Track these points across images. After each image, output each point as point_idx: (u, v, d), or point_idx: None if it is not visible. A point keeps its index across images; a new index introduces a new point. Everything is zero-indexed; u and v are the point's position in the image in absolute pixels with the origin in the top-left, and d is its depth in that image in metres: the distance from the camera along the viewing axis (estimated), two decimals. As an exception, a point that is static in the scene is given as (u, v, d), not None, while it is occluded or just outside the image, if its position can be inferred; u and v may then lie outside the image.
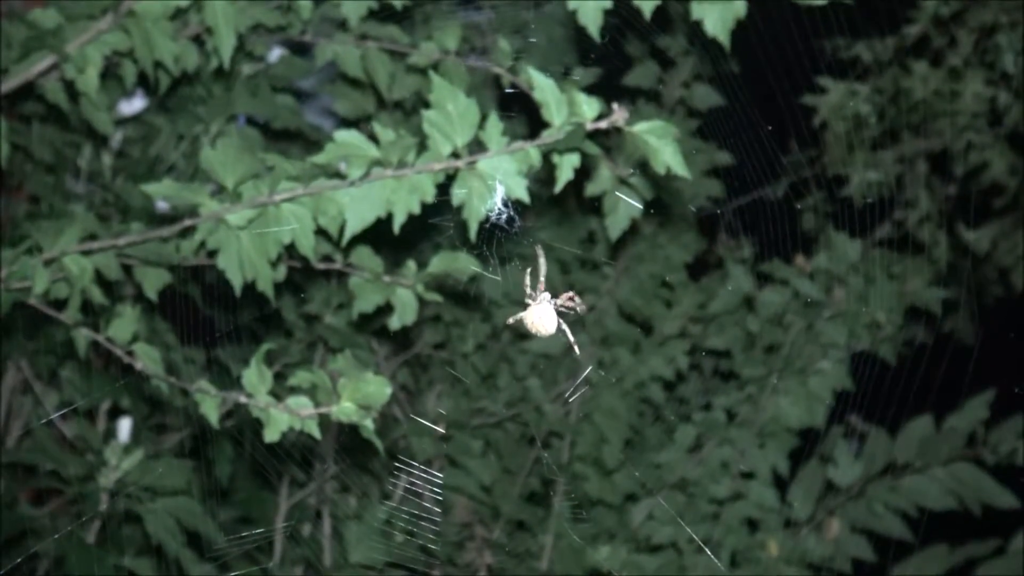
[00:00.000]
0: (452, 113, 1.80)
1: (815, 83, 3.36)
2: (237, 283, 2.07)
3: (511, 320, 2.09)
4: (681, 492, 3.01)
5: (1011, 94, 3.37)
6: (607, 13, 1.83)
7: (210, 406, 2.07)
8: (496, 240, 2.16)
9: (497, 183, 1.81)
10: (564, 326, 2.06)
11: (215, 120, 2.73)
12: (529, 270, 2.05)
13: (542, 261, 2.03)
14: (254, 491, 2.93)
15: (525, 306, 2.07)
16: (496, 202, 1.88)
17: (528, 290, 2.06)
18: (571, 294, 2.05)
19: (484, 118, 1.81)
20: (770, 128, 2.42)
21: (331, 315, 2.80)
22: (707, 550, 2.96)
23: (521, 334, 3.06)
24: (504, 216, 2.04)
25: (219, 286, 2.22)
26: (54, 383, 2.84)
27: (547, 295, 2.05)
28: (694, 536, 2.97)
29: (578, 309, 2.05)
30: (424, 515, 2.85)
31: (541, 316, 2.04)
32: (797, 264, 3.13)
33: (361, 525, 2.78)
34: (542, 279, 2.04)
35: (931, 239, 3.41)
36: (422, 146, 1.86)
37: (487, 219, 1.91)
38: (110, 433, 2.84)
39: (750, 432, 3.03)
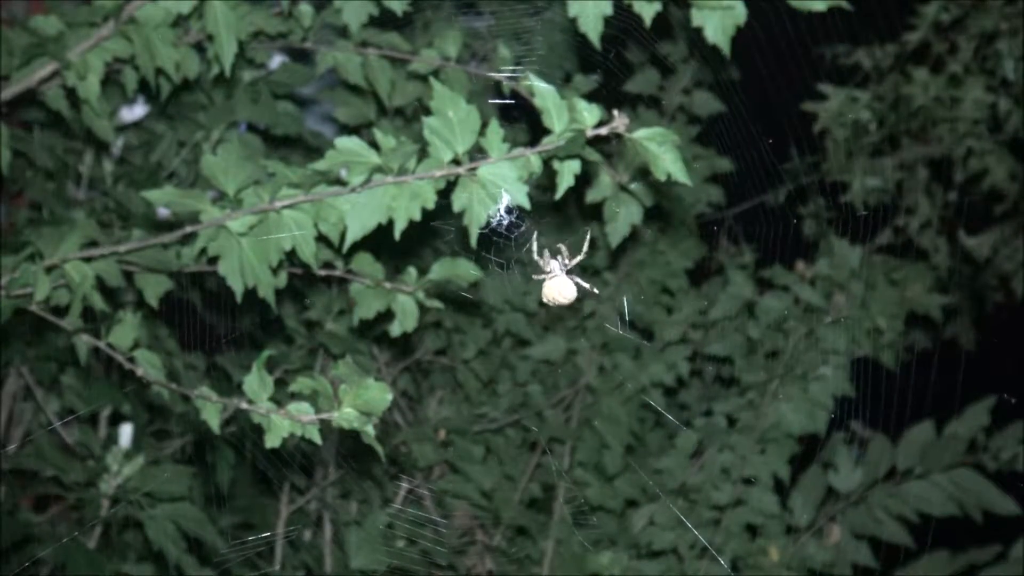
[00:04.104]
0: (453, 120, 1.80)
1: (815, 89, 3.37)
2: (238, 289, 2.07)
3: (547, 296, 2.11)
4: (682, 498, 3.01)
5: (1011, 100, 3.38)
6: (608, 20, 1.83)
7: (211, 412, 2.08)
8: (496, 246, 2.16)
9: (503, 191, 1.81)
10: (582, 284, 2.08)
11: (216, 127, 2.73)
12: (535, 252, 2.07)
13: (535, 240, 2.05)
14: (255, 497, 2.93)
15: (539, 280, 2.10)
16: (500, 208, 1.88)
17: (539, 265, 2.08)
18: (564, 251, 2.07)
19: (485, 125, 1.81)
20: (770, 136, 2.42)
21: (332, 321, 2.80)
22: (710, 552, 2.96)
23: (521, 341, 3.07)
24: (505, 222, 2.05)
25: (220, 293, 2.22)
26: (55, 389, 2.84)
27: (556, 264, 2.07)
28: (698, 539, 2.97)
29: (581, 256, 2.08)
30: (425, 521, 2.85)
31: (560, 287, 2.07)
32: (798, 270, 3.14)
33: (362, 531, 2.78)
34: (545, 253, 2.07)
35: (931, 245, 3.41)
36: (423, 153, 1.87)
37: (488, 224, 1.91)
38: (111, 439, 2.84)
39: (751, 438, 3.03)
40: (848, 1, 1.67)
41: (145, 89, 2.59)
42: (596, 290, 2.15)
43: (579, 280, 2.08)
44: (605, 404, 3.07)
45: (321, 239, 2.04)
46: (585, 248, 2.11)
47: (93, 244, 2.22)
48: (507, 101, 2.59)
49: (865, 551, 3.08)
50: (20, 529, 2.63)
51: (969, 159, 3.45)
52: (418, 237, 2.15)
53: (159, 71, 2.42)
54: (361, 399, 1.90)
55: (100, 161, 2.90)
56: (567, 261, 2.09)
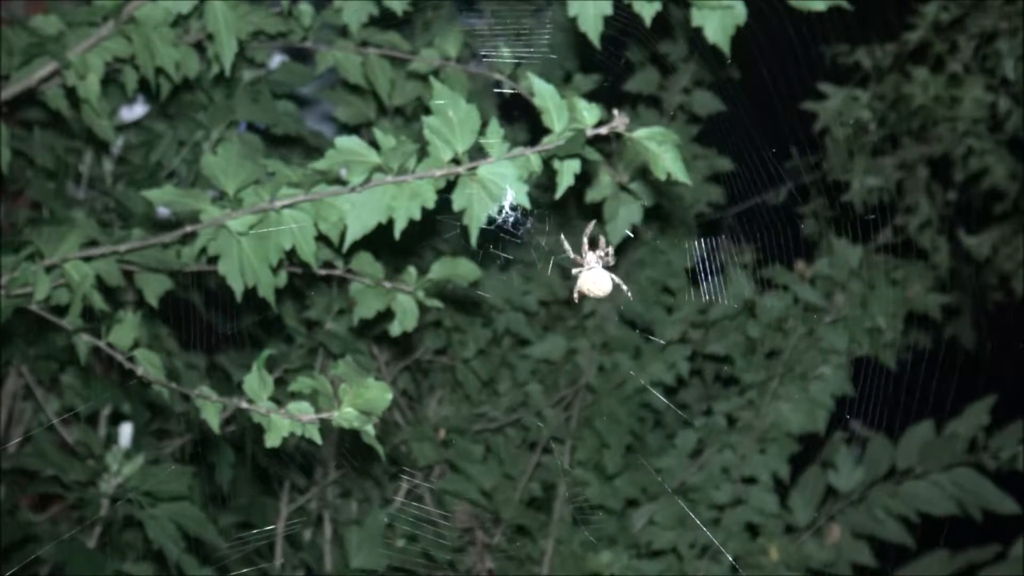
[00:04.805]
0: (453, 119, 1.80)
1: (816, 89, 3.37)
2: (238, 289, 2.07)
3: (575, 293, 2.11)
4: (682, 497, 3.01)
5: (1011, 100, 3.38)
6: (608, 19, 1.83)
7: (211, 411, 2.07)
8: (498, 243, 2.16)
9: (506, 188, 1.81)
10: (617, 280, 2.08)
11: (216, 126, 2.73)
12: (569, 239, 2.07)
13: (590, 226, 2.05)
14: (255, 496, 2.93)
15: (575, 274, 2.09)
16: (504, 205, 1.88)
17: (574, 256, 2.07)
18: (602, 250, 2.07)
19: (485, 124, 1.81)
20: (770, 135, 2.42)
21: (332, 321, 2.80)
22: (710, 552, 2.97)
23: (521, 340, 3.07)
24: (511, 219, 2.05)
25: (220, 292, 2.22)
26: (55, 389, 2.84)
27: (593, 256, 2.07)
28: (698, 539, 2.97)
29: (609, 255, 2.08)
30: (425, 520, 2.85)
31: (596, 279, 2.06)
32: (798, 270, 3.14)
33: (362, 530, 2.78)
34: (586, 244, 2.07)
35: (932, 245, 3.42)
36: (423, 152, 1.87)
37: (491, 221, 1.91)
38: (111, 438, 2.84)
39: (751, 437, 3.03)
40: (848, 1, 1.68)
41: (145, 88, 2.59)
42: (629, 293, 2.15)
43: (614, 276, 2.08)
44: (605, 403, 3.07)
45: (321, 238, 2.04)
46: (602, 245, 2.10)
47: (93, 244, 2.22)
48: (508, 98, 2.59)
49: (865, 550, 3.09)
50: (20, 528, 2.63)
51: (969, 158, 3.45)
52: (418, 236, 2.14)
53: (159, 71, 2.42)
54: (361, 398, 1.90)
55: (100, 161, 2.90)
56: (606, 255, 2.08)
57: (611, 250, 2.08)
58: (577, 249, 2.06)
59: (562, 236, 2.07)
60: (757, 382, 3.07)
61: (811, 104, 3.38)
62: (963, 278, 3.53)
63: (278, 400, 1.97)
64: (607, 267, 2.07)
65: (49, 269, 2.17)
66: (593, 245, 2.06)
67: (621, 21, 1.90)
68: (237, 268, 2.06)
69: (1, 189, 2.83)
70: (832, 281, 3.10)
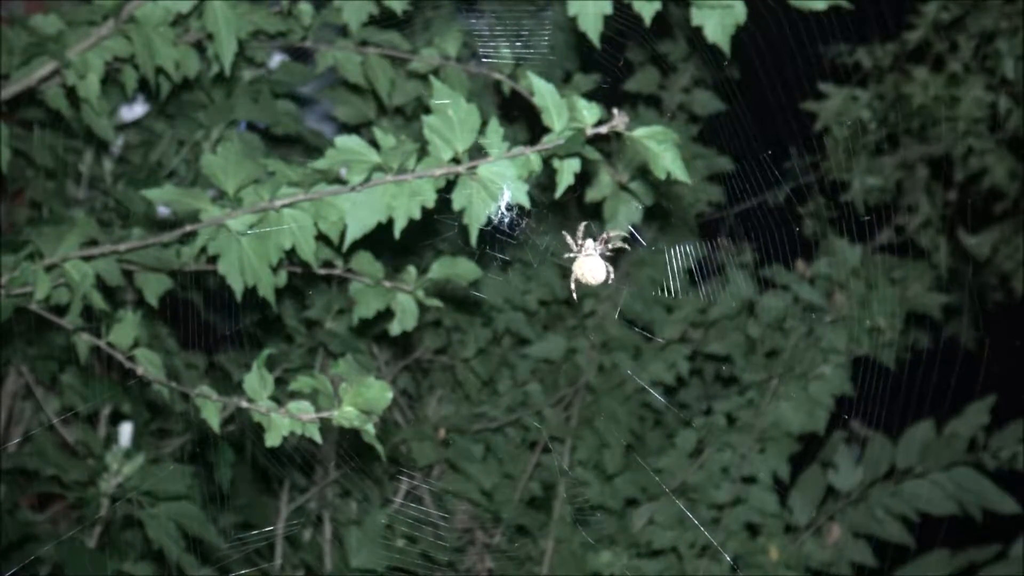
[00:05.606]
0: (453, 118, 1.80)
1: (816, 89, 3.37)
2: (238, 288, 2.07)
3: (573, 286, 2.11)
4: (682, 497, 3.01)
5: (1011, 99, 3.38)
6: (607, 19, 1.83)
7: (211, 411, 2.07)
8: (498, 243, 2.16)
9: (505, 188, 1.81)
10: (611, 269, 2.08)
11: (216, 126, 2.73)
12: (569, 233, 2.07)
13: (584, 224, 2.06)
14: (255, 496, 2.93)
15: (571, 260, 2.09)
16: (500, 206, 1.88)
17: (571, 244, 2.08)
18: (605, 235, 2.08)
19: (485, 124, 1.81)
20: (770, 135, 2.42)
21: (332, 320, 2.80)
22: (710, 551, 2.97)
23: (521, 339, 3.07)
24: (507, 219, 2.05)
25: (220, 291, 2.22)
26: (55, 388, 2.84)
27: (591, 244, 2.07)
28: (698, 538, 2.97)
29: (619, 244, 2.08)
30: (425, 520, 2.85)
31: (591, 267, 2.06)
32: (798, 269, 3.13)
33: (362, 530, 2.78)
34: (580, 233, 2.07)
35: (932, 244, 3.42)
36: (423, 151, 1.87)
37: (489, 222, 1.91)
38: (111, 438, 2.84)
39: (751, 437, 3.03)
40: (848, 1, 1.68)
41: (145, 88, 2.59)
42: (611, 279, 2.15)
43: (609, 265, 2.08)
44: (605, 403, 3.07)
45: (321, 238, 2.04)
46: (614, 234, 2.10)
47: (93, 243, 2.22)
48: (508, 97, 2.59)
49: (865, 550, 3.09)
50: (20, 528, 2.63)
51: (969, 158, 3.45)
52: (418, 235, 2.15)
53: (159, 70, 2.42)
54: (361, 397, 1.90)
55: (100, 160, 2.90)
56: (603, 243, 2.08)
57: (616, 241, 2.08)
58: (573, 237, 2.07)
59: (564, 232, 2.08)
60: (757, 382, 3.07)
61: (811, 104, 3.38)
62: (963, 278, 3.53)
63: (278, 399, 1.97)
64: (604, 256, 2.07)
65: (49, 269, 2.17)
66: (591, 235, 2.07)
67: (621, 21, 1.90)
68: (237, 267, 2.06)
69: (1, 189, 2.83)
70: (832, 281, 3.10)
